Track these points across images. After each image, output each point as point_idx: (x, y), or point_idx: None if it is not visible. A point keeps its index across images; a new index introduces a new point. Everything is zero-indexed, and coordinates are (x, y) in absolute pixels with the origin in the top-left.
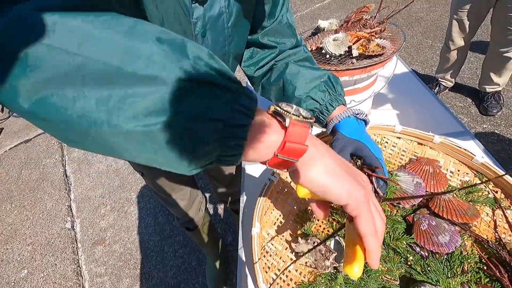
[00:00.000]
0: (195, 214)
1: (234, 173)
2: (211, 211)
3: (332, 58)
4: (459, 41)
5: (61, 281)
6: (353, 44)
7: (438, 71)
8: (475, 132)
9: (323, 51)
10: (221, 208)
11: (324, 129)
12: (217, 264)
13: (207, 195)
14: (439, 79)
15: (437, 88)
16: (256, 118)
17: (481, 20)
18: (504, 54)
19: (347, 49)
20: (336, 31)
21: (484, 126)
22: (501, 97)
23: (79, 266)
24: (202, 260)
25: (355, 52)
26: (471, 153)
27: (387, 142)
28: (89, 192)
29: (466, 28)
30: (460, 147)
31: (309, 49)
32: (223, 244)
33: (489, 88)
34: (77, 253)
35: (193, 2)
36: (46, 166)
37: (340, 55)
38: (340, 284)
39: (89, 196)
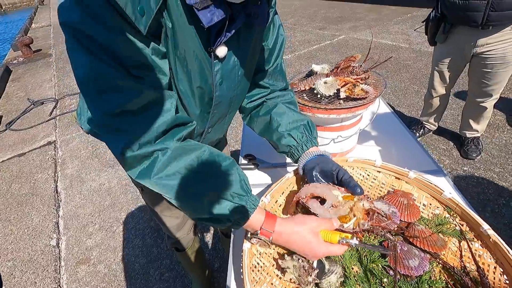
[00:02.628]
0: (186, 234)
1: None
2: (200, 236)
3: (322, 98)
4: (440, 89)
5: None
6: (341, 87)
7: (423, 114)
8: (456, 174)
9: (315, 91)
10: (210, 234)
11: (296, 164)
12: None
13: None
14: (424, 122)
15: (421, 130)
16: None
17: (459, 72)
18: (480, 104)
19: (335, 91)
20: (327, 75)
21: (465, 168)
22: (480, 143)
23: (60, 285)
24: (188, 286)
25: (342, 94)
26: (440, 188)
27: (368, 175)
28: (78, 210)
29: (446, 79)
30: (431, 183)
31: (303, 88)
32: (210, 270)
33: (468, 134)
34: (60, 271)
35: (215, 59)
36: (37, 181)
37: (329, 96)
38: None
39: (78, 214)
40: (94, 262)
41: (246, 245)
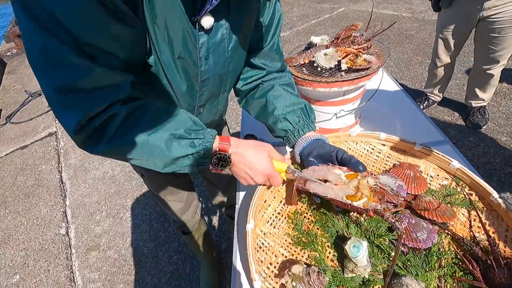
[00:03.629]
0: (191, 217)
1: (230, 177)
2: (207, 219)
3: (323, 71)
4: (445, 58)
5: (54, 287)
6: (342, 58)
7: (427, 86)
8: (462, 144)
9: (315, 64)
10: (216, 216)
11: (291, 149)
12: (211, 270)
13: (204, 203)
14: (428, 94)
15: (426, 102)
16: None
17: (465, 39)
18: (487, 71)
19: (336, 63)
20: (327, 47)
21: (471, 139)
22: (486, 112)
23: (72, 272)
24: (196, 267)
25: (343, 66)
26: (448, 158)
27: (373, 149)
28: (84, 199)
29: (451, 47)
30: (439, 154)
31: (302, 62)
32: (217, 251)
33: (474, 103)
34: (71, 259)
35: (200, 31)
36: (42, 172)
37: (330, 68)
38: (329, 278)
39: (85, 203)
40: (104, 248)
41: (250, 225)
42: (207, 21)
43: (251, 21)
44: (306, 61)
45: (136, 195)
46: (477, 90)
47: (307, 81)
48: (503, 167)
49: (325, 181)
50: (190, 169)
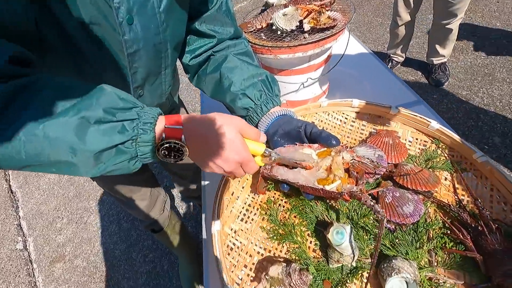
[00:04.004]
0: (159, 214)
1: (196, 166)
2: (180, 210)
3: (284, 35)
4: (405, 16)
5: None
6: (304, 18)
7: (389, 47)
8: (427, 102)
9: (274, 28)
10: (190, 205)
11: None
12: (191, 264)
13: (174, 193)
14: (391, 55)
15: (390, 63)
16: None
17: None
18: (446, 26)
19: (298, 23)
20: (285, 6)
21: (434, 96)
22: (447, 68)
23: None
24: (175, 262)
25: (306, 26)
26: (427, 120)
27: (346, 118)
28: (41, 207)
29: (411, 3)
30: (416, 115)
31: (259, 26)
32: (194, 242)
33: (436, 60)
34: (33, 274)
35: None
36: None
37: (292, 30)
38: (313, 273)
39: (41, 211)
40: (70, 257)
41: (216, 227)
42: None
43: None
44: (264, 25)
45: (99, 196)
46: (437, 46)
47: (267, 47)
48: (466, 120)
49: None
50: (127, 167)
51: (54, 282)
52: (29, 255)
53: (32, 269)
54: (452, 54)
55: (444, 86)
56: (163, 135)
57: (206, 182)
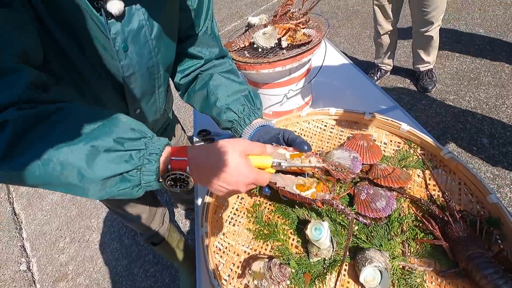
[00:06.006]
0: (159, 226)
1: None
2: (180, 223)
3: (265, 52)
4: (386, 25)
5: None
6: (282, 36)
7: (376, 57)
8: (416, 108)
9: (255, 46)
10: (189, 218)
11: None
12: (191, 275)
13: (173, 206)
14: (379, 65)
15: (378, 73)
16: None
17: (400, 3)
18: (425, 34)
19: (277, 41)
20: (265, 26)
21: (423, 102)
22: (434, 74)
23: None
24: (175, 275)
25: (284, 43)
26: (397, 123)
27: (325, 126)
28: (43, 227)
29: (389, 13)
30: (387, 119)
31: (243, 45)
32: (194, 255)
33: (422, 67)
34: None
35: (109, 18)
36: None
37: (272, 48)
38: (294, 267)
39: (44, 231)
40: (73, 276)
41: (203, 228)
42: (114, 5)
43: (174, 4)
44: (247, 44)
45: (100, 213)
46: (421, 53)
47: (249, 64)
48: (455, 123)
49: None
50: (130, 193)
51: None
52: (32, 276)
53: None
54: (438, 60)
55: (431, 92)
56: (169, 166)
57: (199, 191)
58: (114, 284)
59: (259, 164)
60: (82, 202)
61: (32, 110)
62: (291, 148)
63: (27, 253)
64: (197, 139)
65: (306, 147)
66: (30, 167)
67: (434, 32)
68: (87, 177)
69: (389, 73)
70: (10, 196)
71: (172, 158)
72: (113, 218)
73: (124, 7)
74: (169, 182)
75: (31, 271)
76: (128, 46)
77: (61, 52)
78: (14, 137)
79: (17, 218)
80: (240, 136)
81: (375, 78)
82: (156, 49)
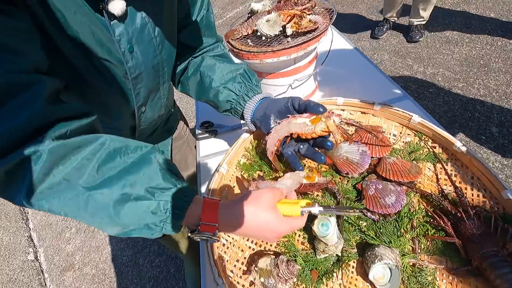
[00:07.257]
0: None
1: (195, 172)
2: None
3: (269, 40)
4: None
5: None
6: (287, 23)
7: (385, 12)
8: (423, 96)
9: (259, 34)
10: None
11: (243, 121)
12: (196, 265)
13: None
14: (388, 18)
15: (386, 25)
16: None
17: None
18: None
19: (281, 28)
20: (269, 12)
21: (431, 90)
22: (423, 28)
23: None
24: (180, 265)
25: (289, 31)
26: (408, 114)
27: None
28: (50, 218)
29: None
30: (398, 110)
31: (246, 33)
32: (198, 245)
33: (416, 21)
34: (45, 284)
35: (112, 19)
36: None
37: (276, 35)
38: (301, 264)
39: (50, 222)
40: (79, 266)
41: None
42: (116, 5)
43: None
44: (250, 32)
45: None
46: (420, 7)
47: (252, 53)
48: (463, 112)
49: (298, 138)
50: (149, 236)
51: None
52: (40, 265)
53: (44, 279)
54: (446, 46)
55: (439, 79)
56: (198, 229)
57: (203, 186)
58: (120, 274)
59: (289, 213)
60: None
61: (63, 141)
62: (306, 115)
63: (34, 243)
64: (200, 131)
65: (321, 109)
66: (60, 203)
67: None
68: (112, 221)
69: (391, 29)
70: None
71: (201, 222)
72: None
73: (126, 6)
74: (196, 237)
75: (39, 260)
76: (133, 47)
77: (64, 59)
78: (43, 168)
79: (23, 209)
80: (242, 115)
81: (384, 30)
82: (160, 46)
